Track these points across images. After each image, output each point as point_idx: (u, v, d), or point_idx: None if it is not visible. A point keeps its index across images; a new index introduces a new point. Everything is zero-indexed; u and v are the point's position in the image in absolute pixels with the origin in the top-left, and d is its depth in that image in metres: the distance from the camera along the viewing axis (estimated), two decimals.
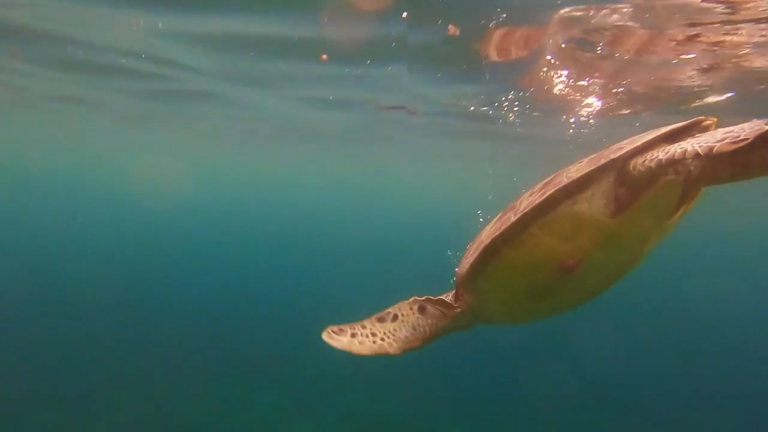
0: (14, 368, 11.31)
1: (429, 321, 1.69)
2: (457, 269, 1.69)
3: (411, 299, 1.78)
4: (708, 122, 1.32)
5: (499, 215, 1.60)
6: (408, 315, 1.71)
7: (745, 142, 1.00)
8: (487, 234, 1.52)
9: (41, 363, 12.15)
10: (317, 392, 14.83)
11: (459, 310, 1.72)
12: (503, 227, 1.41)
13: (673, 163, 1.14)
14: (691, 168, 1.18)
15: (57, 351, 13.19)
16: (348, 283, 25.32)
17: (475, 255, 1.50)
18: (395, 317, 1.72)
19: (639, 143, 1.28)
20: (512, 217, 1.40)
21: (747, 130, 1.05)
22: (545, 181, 1.51)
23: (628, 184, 1.27)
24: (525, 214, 1.35)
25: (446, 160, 26.20)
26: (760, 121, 1.07)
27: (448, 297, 1.81)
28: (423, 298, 1.76)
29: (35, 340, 13.70)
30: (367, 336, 1.72)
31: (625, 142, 1.38)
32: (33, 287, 17.58)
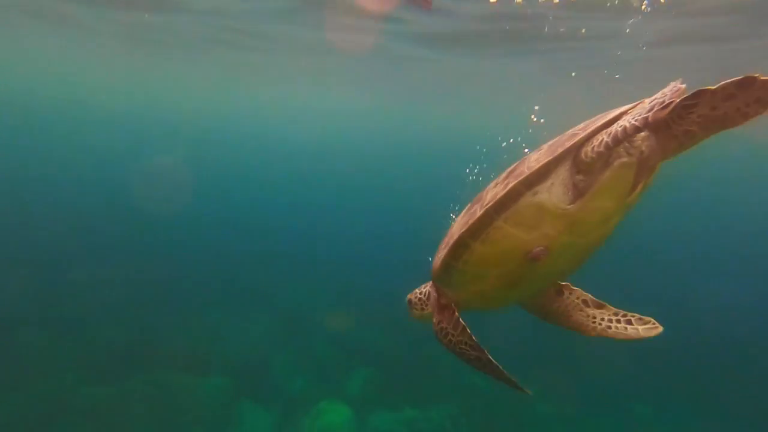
0: (2, 288, 11.28)
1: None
2: (432, 264, 1.74)
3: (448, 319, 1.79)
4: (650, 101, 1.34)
5: (467, 208, 1.65)
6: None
7: (671, 106, 1.06)
8: (456, 229, 1.58)
9: (31, 285, 12.16)
10: (307, 320, 15.34)
11: (443, 302, 1.80)
12: (470, 222, 1.47)
13: (617, 142, 1.20)
14: (643, 148, 1.26)
15: (48, 275, 13.20)
16: (337, 215, 25.46)
17: (445, 251, 1.57)
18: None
19: (589, 130, 1.32)
20: (478, 211, 1.45)
21: (669, 93, 1.12)
22: (509, 169, 1.54)
23: (584, 171, 1.32)
24: (489, 208, 1.40)
25: None
26: (676, 82, 1.13)
27: (426, 290, 1.91)
28: (437, 305, 1.83)
29: (24, 262, 13.65)
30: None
31: (579, 127, 1.41)
32: (28, 215, 17.25)
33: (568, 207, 1.37)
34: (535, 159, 1.42)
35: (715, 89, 1.08)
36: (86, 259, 14.86)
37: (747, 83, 1.04)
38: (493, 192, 1.47)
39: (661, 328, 1.62)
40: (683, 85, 1.14)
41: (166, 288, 14.80)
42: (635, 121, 1.15)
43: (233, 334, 13.42)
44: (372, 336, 14.89)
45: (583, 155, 1.32)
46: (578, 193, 1.35)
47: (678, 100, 1.10)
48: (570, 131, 1.40)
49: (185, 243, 18.81)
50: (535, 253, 1.45)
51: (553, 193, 1.34)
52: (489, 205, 1.42)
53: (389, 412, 10.58)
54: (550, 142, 1.48)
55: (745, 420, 11.79)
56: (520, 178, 1.36)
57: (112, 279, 14.00)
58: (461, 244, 1.52)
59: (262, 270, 18.13)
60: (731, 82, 1.06)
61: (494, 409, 10.98)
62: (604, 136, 1.26)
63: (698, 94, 1.11)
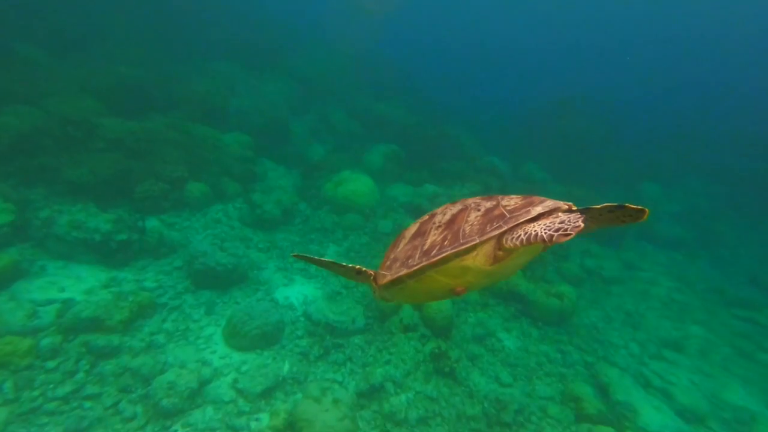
0: None
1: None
2: (379, 267, 1.98)
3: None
4: (565, 207, 1.57)
5: (413, 234, 1.88)
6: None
7: (569, 237, 1.34)
8: (401, 256, 1.82)
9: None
10: (326, 90, 14.38)
11: (377, 292, 2.10)
12: (410, 266, 1.69)
13: (530, 243, 1.46)
14: None
15: None
16: None
17: (387, 278, 1.79)
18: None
19: (512, 224, 1.54)
20: (416, 258, 1.69)
21: (572, 224, 1.38)
22: (453, 214, 1.77)
23: (504, 249, 1.59)
24: (424, 265, 1.64)
25: None
26: (580, 216, 1.40)
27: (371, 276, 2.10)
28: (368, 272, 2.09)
29: None
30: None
31: (511, 204, 1.64)
32: None
33: (488, 267, 1.63)
34: (470, 226, 1.62)
35: (600, 208, 1.41)
36: None
37: (621, 207, 1.37)
38: (432, 240, 1.70)
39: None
40: (583, 225, 1.35)
41: (181, 35, 13.03)
42: (544, 234, 1.40)
43: (250, 91, 12.60)
44: (393, 112, 14.31)
45: (504, 241, 1.54)
46: (497, 260, 1.60)
47: (573, 234, 1.34)
48: (501, 207, 1.63)
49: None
50: (457, 291, 1.77)
51: (477, 260, 1.59)
52: (424, 262, 1.63)
53: (408, 185, 11.00)
54: (488, 205, 1.69)
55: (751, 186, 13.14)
56: (452, 250, 1.57)
57: (128, 12, 11.96)
58: (398, 281, 1.76)
59: (279, 32, 15.88)
60: (611, 204, 1.39)
61: (511, 187, 11.60)
62: (521, 233, 1.48)
63: (586, 210, 1.45)
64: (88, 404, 3.95)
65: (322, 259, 2.04)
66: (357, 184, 9.12)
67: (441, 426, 4.31)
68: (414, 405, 4.47)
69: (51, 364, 4.24)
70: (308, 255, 2.11)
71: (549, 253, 8.69)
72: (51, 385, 4.06)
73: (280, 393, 4.33)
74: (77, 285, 5.27)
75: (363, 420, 4.22)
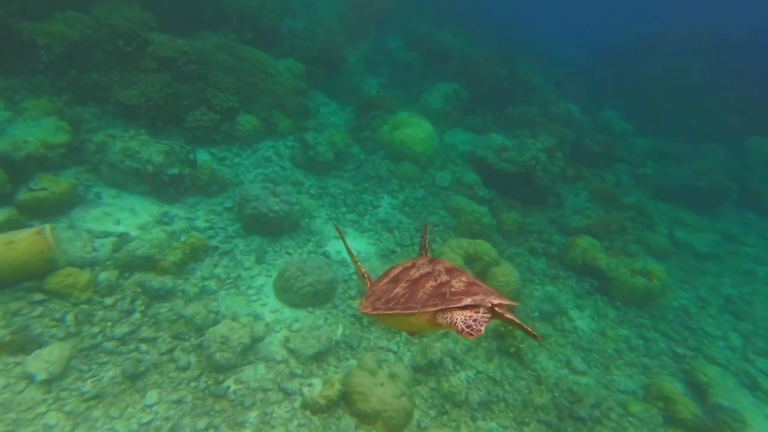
0: None
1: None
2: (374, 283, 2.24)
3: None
4: (488, 305, 1.66)
5: (393, 277, 2.13)
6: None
7: (472, 338, 1.49)
8: (378, 293, 2.09)
9: None
10: (382, 11, 12.87)
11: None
12: (374, 310, 1.96)
13: (451, 327, 1.66)
14: None
15: None
16: None
17: (361, 307, 2.08)
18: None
19: (444, 306, 1.74)
20: (381, 304, 1.97)
21: (476, 327, 1.53)
22: (423, 272, 2.00)
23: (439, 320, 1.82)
24: (383, 312, 1.92)
25: None
26: (485, 322, 1.53)
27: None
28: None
29: None
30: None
31: (455, 288, 1.82)
32: None
33: (430, 326, 1.85)
34: (422, 292, 1.86)
35: (509, 319, 1.59)
36: None
37: (523, 327, 1.61)
38: (397, 292, 1.96)
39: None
40: (483, 332, 1.49)
41: None
42: (459, 326, 1.57)
43: (305, 11, 11.44)
44: (456, 43, 12.72)
45: (438, 317, 1.75)
46: (435, 325, 1.80)
47: (475, 336, 1.49)
48: (452, 285, 1.82)
49: None
50: (410, 333, 2.26)
51: (420, 320, 1.83)
52: (382, 310, 1.90)
53: (468, 132, 9.95)
54: (444, 279, 1.88)
55: None
56: (400, 310, 1.84)
57: None
58: (366, 313, 2.01)
59: None
60: (517, 321, 1.59)
61: (588, 140, 10.29)
62: (449, 316, 1.67)
63: (498, 316, 1.60)
64: (144, 347, 3.87)
65: (348, 246, 2.36)
66: (415, 130, 8.24)
67: (505, 412, 3.95)
68: (475, 386, 4.12)
69: (108, 300, 4.17)
70: (341, 231, 2.30)
71: (629, 221, 7.66)
72: (109, 323, 4.01)
73: (332, 358, 4.09)
74: (131, 218, 5.11)
75: (420, 397, 3.93)
